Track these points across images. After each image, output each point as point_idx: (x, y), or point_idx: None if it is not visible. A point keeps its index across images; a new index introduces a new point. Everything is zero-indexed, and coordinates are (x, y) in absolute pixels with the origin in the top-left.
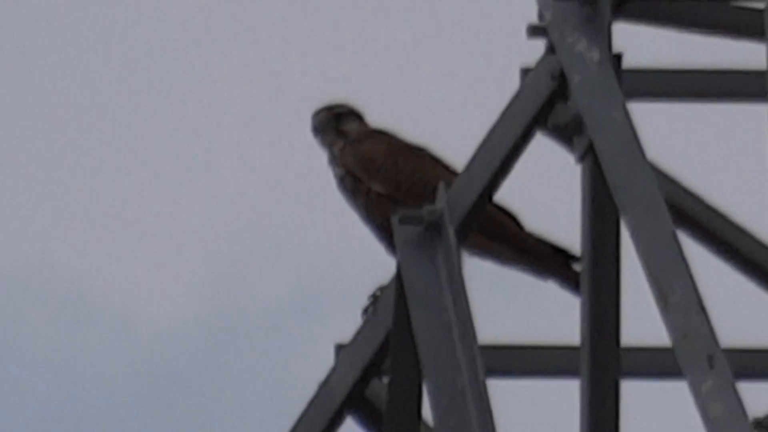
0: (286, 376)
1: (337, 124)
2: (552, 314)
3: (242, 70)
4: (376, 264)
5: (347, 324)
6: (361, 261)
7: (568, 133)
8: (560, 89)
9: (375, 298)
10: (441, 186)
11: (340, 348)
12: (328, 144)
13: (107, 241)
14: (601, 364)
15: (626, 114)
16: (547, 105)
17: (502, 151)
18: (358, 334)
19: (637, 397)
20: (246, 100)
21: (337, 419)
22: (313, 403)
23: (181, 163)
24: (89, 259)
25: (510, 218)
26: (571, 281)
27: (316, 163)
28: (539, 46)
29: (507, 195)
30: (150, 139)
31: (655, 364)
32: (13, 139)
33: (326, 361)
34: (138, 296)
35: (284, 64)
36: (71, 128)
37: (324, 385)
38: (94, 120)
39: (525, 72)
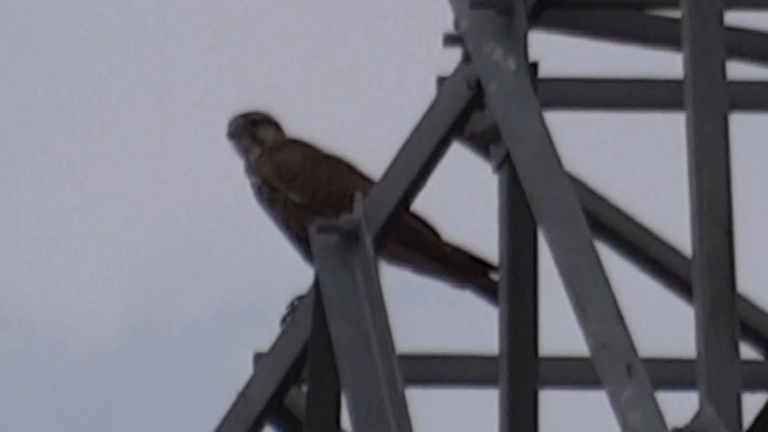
0: (210, 389)
1: (253, 131)
2: (469, 323)
3: (166, 88)
4: (294, 273)
5: (267, 334)
6: (279, 271)
7: (484, 142)
8: (477, 98)
9: (293, 308)
10: (358, 195)
11: (258, 357)
12: (244, 150)
13: (33, 261)
14: (520, 374)
15: (543, 123)
16: (464, 114)
17: (419, 161)
18: (277, 343)
19: (556, 406)
20: (166, 118)
21: (255, 428)
22: (231, 412)
23: (103, 187)
24: (15, 279)
25: (427, 227)
26: (488, 290)
27: (234, 179)
28: (455, 54)
29: (424, 204)
30: (75, 161)
31: (574, 374)
32: None
33: (247, 371)
34: (63, 315)
35: (204, 77)
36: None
37: (243, 394)
38: (23, 140)
39: (441, 81)
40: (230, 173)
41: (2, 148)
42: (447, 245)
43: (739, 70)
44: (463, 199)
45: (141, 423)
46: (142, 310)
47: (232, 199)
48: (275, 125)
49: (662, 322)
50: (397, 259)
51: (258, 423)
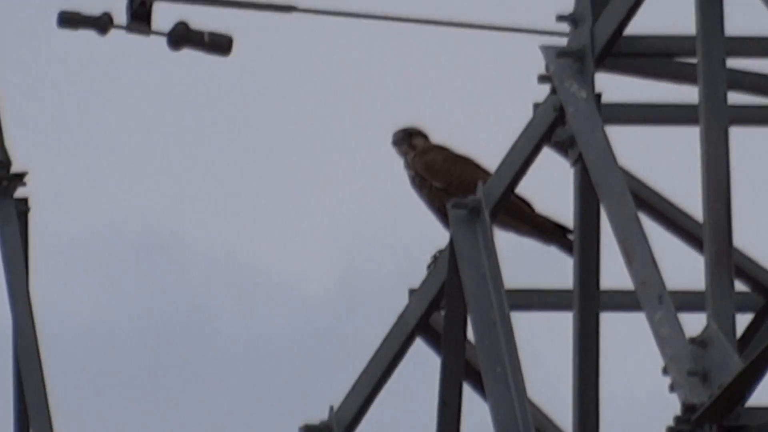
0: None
1: (410, 140)
2: (553, 268)
3: (372, 121)
4: (436, 235)
5: (419, 275)
6: (428, 233)
7: (565, 147)
8: (560, 117)
9: (435, 258)
10: (479, 183)
11: (412, 291)
12: (403, 153)
13: (274, 234)
14: (587, 302)
15: (604, 134)
16: (551, 128)
17: (521, 159)
18: (424, 281)
19: (613, 325)
20: (366, 138)
21: (410, 339)
22: (394, 329)
23: (327, 180)
24: (264, 248)
25: (526, 204)
26: (567, 247)
27: (401, 175)
28: (546, 88)
29: (525, 188)
30: (312, 162)
31: (624, 302)
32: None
33: (405, 301)
34: (290, 273)
35: (382, 103)
36: (261, 160)
37: (401, 317)
38: (274, 155)
39: (536, 106)
40: (400, 172)
41: (263, 150)
42: (539, 216)
43: (736, 98)
44: (550, 184)
45: (348, 352)
46: (347, 269)
47: (402, 188)
48: (424, 136)
49: (682, 266)
50: (505, 225)
51: (411, 335)
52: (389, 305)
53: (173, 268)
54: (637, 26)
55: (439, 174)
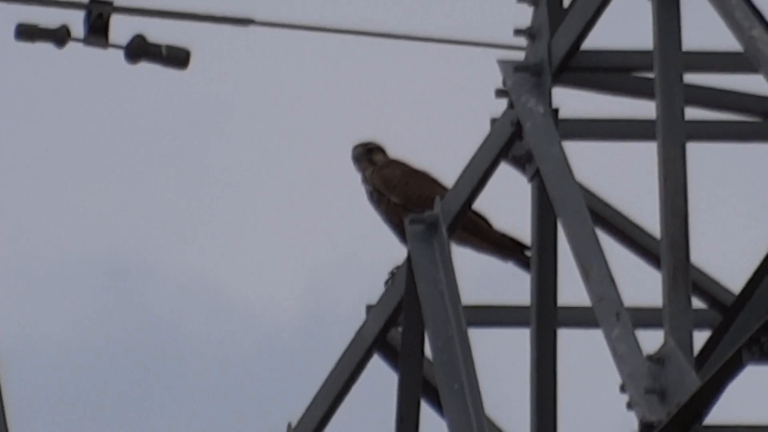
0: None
1: (369, 155)
2: (510, 284)
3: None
4: (393, 251)
5: (376, 292)
6: (385, 248)
7: (522, 162)
8: (517, 132)
9: (393, 274)
10: (437, 198)
11: (369, 307)
12: (361, 168)
13: (244, 262)
14: (544, 318)
15: (561, 149)
16: (509, 143)
17: (478, 174)
18: (382, 298)
19: (569, 341)
20: (325, 147)
21: (367, 356)
22: (351, 345)
23: (291, 212)
24: (231, 271)
25: (483, 220)
26: (524, 263)
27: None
28: (503, 103)
29: (482, 204)
30: (275, 195)
31: (581, 319)
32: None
33: (362, 317)
34: (264, 297)
35: (340, 116)
36: (228, 183)
37: (359, 333)
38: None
39: (494, 121)
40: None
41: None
42: (496, 232)
43: (693, 113)
44: (508, 200)
45: (312, 372)
46: (313, 300)
47: (367, 217)
48: (383, 151)
49: (640, 282)
50: (463, 241)
51: (369, 352)
52: (355, 326)
53: (140, 290)
54: (594, 41)
55: (397, 189)
